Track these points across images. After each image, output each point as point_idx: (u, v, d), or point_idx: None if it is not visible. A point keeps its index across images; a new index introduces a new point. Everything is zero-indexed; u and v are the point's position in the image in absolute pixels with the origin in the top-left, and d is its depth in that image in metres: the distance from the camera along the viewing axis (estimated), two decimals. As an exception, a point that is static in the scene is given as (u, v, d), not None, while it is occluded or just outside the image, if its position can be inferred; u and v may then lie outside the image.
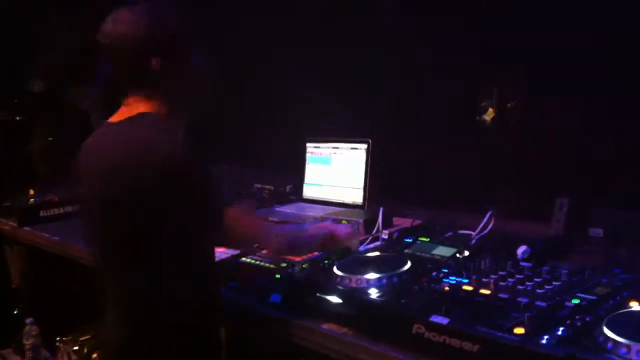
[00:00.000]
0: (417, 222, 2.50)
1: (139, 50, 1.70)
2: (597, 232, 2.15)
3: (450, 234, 2.32)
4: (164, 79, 1.74)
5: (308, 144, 2.97)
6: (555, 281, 1.71)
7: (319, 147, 2.92)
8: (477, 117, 3.53)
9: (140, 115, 1.73)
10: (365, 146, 2.71)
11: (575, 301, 1.57)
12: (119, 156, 1.67)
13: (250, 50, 3.44)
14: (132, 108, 1.75)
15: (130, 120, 1.73)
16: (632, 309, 1.50)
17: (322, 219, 2.51)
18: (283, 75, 3.27)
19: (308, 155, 2.97)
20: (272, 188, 3.21)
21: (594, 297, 1.58)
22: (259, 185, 3.25)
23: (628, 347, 1.30)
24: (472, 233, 2.27)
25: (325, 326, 1.76)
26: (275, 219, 2.67)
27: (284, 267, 2.06)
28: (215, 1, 3.53)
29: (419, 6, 2.72)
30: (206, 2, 3.47)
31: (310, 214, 2.67)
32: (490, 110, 3.63)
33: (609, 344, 1.33)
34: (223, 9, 3.52)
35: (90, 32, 1.79)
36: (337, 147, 2.84)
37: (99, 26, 1.75)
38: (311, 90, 3.04)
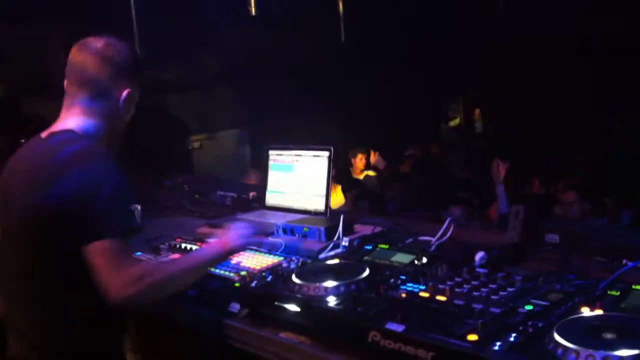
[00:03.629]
0: (378, 229, 2.50)
1: (116, 73, 1.87)
2: (553, 238, 2.18)
3: (410, 240, 2.33)
4: (115, 102, 1.90)
5: (271, 152, 2.96)
6: (509, 287, 1.73)
7: (281, 155, 2.92)
8: (442, 124, 3.58)
9: (65, 131, 1.84)
10: (327, 154, 2.71)
11: (529, 307, 1.59)
12: (32, 170, 1.80)
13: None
14: (64, 122, 1.87)
15: (51, 135, 1.85)
16: (583, 314, 1.52)
17: None
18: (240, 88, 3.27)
19: (271, 162, 2.96)
20: (235, 195, 3.19)
21: (546, 303, 1.61)
22: (221, 193, 3.23)
23: (577, 352, 1.32)
24: (432, 239, 2.28)
25: (282, 335, 1.76)
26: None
27: (244, 275, 2.05)
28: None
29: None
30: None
31: (272, 221, 2.66)
32: (457, 118, 3.70)
33: (559, 350, 1.35)
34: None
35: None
36: (299, 155, 2.83)
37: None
38: (276, 101, 3.05)
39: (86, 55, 1.86)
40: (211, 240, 2.50)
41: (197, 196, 3.33)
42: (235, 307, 1.90)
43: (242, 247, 2.03)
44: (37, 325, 1.81)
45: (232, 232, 2.02)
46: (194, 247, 2.44)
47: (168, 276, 1.79)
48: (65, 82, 1.90)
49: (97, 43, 1.87)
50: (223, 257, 1.97)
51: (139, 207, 2.98)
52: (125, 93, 1.90)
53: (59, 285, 1.78)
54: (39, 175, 1.76)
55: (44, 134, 1.88)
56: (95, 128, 1.88)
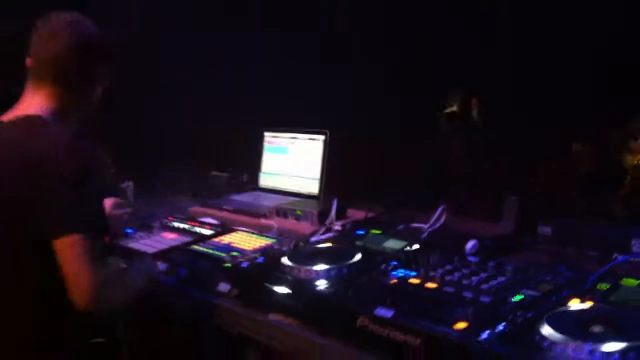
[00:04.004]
0: (371, 214, 2.50)
1: (83, 52, 1.77)
2: (546, 230, 2.18)
3: (402, 227, 2.33)
4: (82, 80, 1.80)
5: (266, 133, 2.95)
6: (500, 276, 1.73)
7: (276, 137, 2.91)
8: (438, 112, 3.56)
9: (29, 117, 1.73)
10: (323, 137, 2.70)
11: (519, 297, 1.59)
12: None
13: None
14: (28, 105, 1.77)
15: (17, 121, 1.74)
16: (572, 307, 1.52)
17: None
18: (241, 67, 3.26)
19: (265, 144, 2.95)
20: (229, 176, 3.18)
21: (536, 294, 1.61)
22: (215, 173, 3.21)
23: (565, 344, 1.32)
24: (424, 226, 2.28)
25: (272, 317, 1.75)
26: (230, 208, 2.66)
27: (235, 256, 2.04)
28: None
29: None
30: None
31: (265, 203, 2.65)
32: (453, 106, 3.67)
33: (548, 341, 1.35)
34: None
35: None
36: (295, 137, 2.82)
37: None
38: (272, 81, 3.04)
39: (51, 32, 1.76)
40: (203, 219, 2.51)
41: (190, 176, 3.31)
42: (225, 287, 1.90)
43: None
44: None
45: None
46: (186, 227, 2.43)
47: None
48: (28, 61, 1.78)
49: (62, 20, 1.77)
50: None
51: (132, 185, 2.97)
52: (93, 74, 1.82)
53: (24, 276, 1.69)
54: (10, 167, 1.66)
55: (5, 118, 1.77)
56: (63, 112, 1.78)
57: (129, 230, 2.42)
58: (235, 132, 3.30)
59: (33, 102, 1.77)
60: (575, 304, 1.53)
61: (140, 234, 2.40)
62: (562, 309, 1.50)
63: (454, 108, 3.45)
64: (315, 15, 3.03)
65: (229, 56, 3.41)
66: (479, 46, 2.59)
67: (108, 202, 2.20)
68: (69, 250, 1.58)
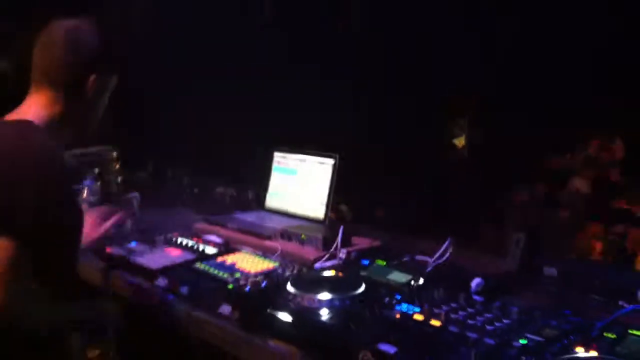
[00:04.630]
0: (376, 243, 2.49)
1: (80, 58, 1.79)
2: (551, 271, 2.17)
3: (407, 258, 2.31)
4: (78, 89, 1.81)
5: (276, 153, 2.95)
6: (505, 318, 1.72)
7: (285, 158, 2.90)
8: (450, 140, 3.55)
9: (20, 121, 1.75)
10: (332, 161, 2.69)
11: (523, 341, 1.57)
12: None
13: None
14: (26, 109, 1.79)
15: (8, 122, 1.77)
16: (578, 354, 1.50)
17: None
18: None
19: (274, 164, 2.94)
20: (235, 193, 3.18)
21: (541, 339, 1.59)
22: (221, 190, 3.21)
23: (570, 394, 1.30)
24: (429, 260, 2.27)
25: (272, 343, 1.74)
26: (235, 227, 2.65)
27: (238, 277, 2.03)
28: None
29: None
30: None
31: (270, 224, 2.64)
32: (463, 137, 3.67)
33: (552, 390, 1.33)
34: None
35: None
36: (304, 160, 2.82)
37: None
38: (283, 102, 3.05)
39: (50, 39, 1.79)
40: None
41: (196, 190, 3.31)
42: (226, 309, 1.88)
43: (101, 236, 2.13)
44: None
45: (87, 223, 2.04)
46: (190, 243, 2.42)
47: None
48: (32, 69, 1.82)
49: (62, 27, 1.80)
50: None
51: (138, 196, 2.97)
52: (91, 80, 1.81)
53: None
54: None
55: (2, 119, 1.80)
56: (57, 119, 1.79)
57: (132, 244, 2.41)
58: (245, 148, 3.31)
59: (30, 108, 1.80)
60: (580, 352, 1.52)
61: (144, 246, 2.39)
62: (567, 356, 1.48)
63: (463, 140, 3.45)
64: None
65: (243, 70, 3.42)
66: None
67: (99, 211, 2.20)
68: None
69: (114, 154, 3.12)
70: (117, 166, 3.13)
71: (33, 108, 1.80)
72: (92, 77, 1.82)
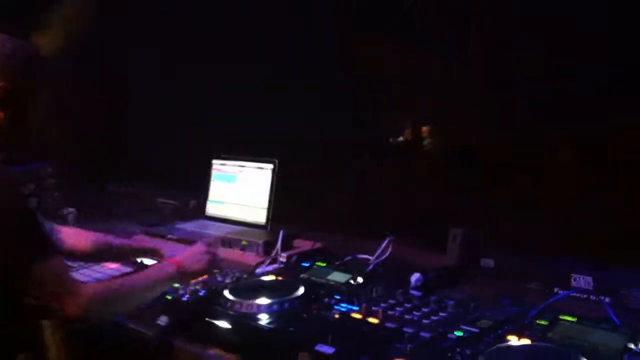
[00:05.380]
0: (318, 245, 2.48)
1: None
2: (488, 262, 2.20)
3: (349, 258, 2.31)
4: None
5: (214, 161, 2.92)
6: (441, 312, 1.74)
7: (225, 165, 2.87)
8: (391, 139, 3.57)
9: None
10: (271, 166, 2.68)
11: (459, 333, 1.59)
12: None
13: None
14: None
15: None
16: (510, 343, 1.53)
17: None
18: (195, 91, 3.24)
19: (214, 172, 2.91)
20: (176, 203, 3.13)
21: (476, 330, 1.61)
22: (162, 201, 3.16)
23: (502, 382, 1.32)
24: (371, 258, 2.27)
25: (211, 352, 1.71)
26: (174, 237, 2.61)
27: (177, 287, 1.99)
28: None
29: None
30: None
31: (210, 232, 2.61)
32: (408, 132, 3.68)
33: (485, 379, 1.35)
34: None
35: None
36: (243, 166, 2.79)
37: None
38: (222, 110, 3.03)
39: None
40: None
41: (137, 202, 3.26)
42: (163, 319, 1.85)
43: (200, 273, 1.96)
44: None
45: (188, 253, 1.95)
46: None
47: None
48: None
49: None
50: (177, 279, 1.91)
51: (74, 212, 2.91)
52: (12, 95, 1.73)
53: None
54: None
55: None
56: None
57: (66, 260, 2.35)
58: (186, 157, 3.26)
59: None
60: (513, 341, 1.54)
61: (79, 263, 2.33)
62: (500, 345, 1.51)
63: (404, 137, 3.48)
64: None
65: (183, 82, 3.38)
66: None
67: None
68: None
69: (49, 169, 3.05)
70: (53, 182, 3.05)
71: None
72: (11, 91, 1.73)
